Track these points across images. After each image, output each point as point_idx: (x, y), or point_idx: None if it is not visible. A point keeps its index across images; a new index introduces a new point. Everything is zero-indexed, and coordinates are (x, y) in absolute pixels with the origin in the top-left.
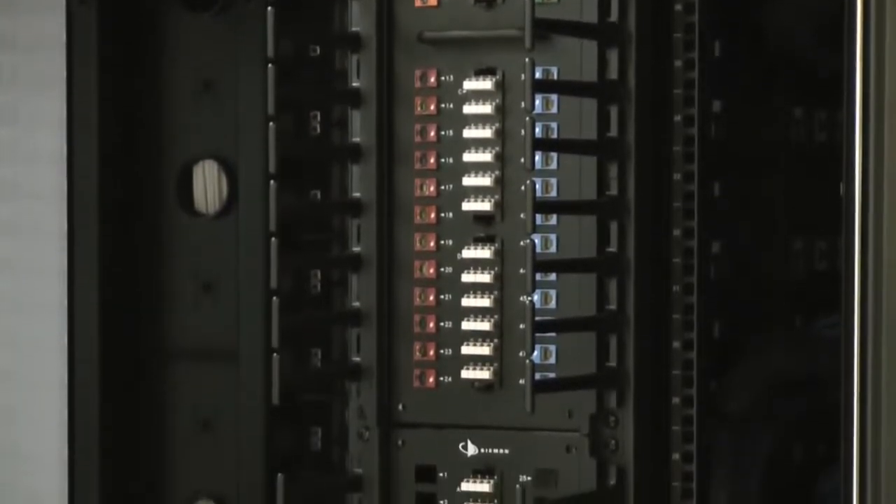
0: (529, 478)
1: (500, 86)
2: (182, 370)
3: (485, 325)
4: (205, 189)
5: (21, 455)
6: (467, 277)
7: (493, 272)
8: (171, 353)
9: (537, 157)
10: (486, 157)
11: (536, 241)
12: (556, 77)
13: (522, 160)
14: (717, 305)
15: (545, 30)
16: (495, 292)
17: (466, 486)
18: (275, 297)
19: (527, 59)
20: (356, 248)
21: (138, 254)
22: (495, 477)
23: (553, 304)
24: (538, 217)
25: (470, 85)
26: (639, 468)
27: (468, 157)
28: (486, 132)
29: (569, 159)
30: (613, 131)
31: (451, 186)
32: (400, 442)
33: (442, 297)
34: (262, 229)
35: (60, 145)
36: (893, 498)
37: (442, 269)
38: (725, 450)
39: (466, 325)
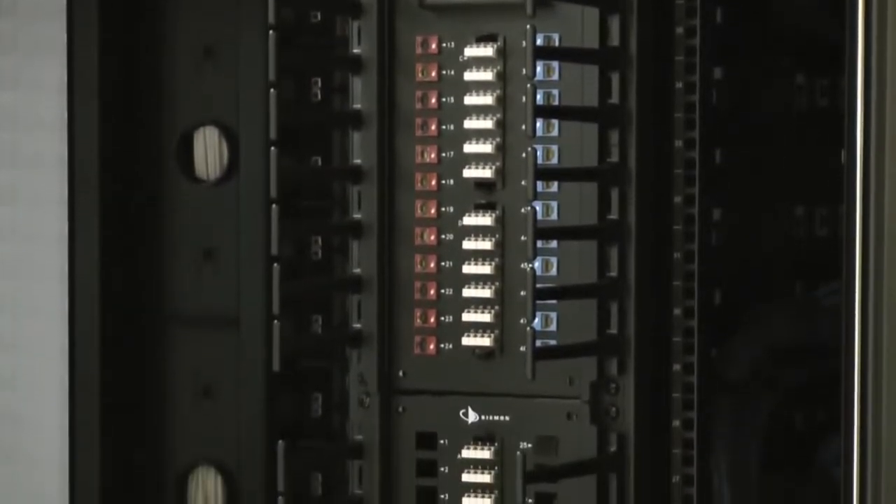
0: (530, 445)
1: (502, 52)
2: (182, 337)
3: (486, 293)
4: (205, 155)
5: (21, 421)
6: (468, 244)
7: (493, 239)
8: (172, 320)
9: (538, 124)
10: (487, 123)
11: (537, 208)
12: (557, 44)
13: (524, 127)
14: (717, 273)
15: None
16: (496, 259)
17: (467, 453)
18: (275, 264)
19: (528, 26)
20: (357, 215)
21: (139, 220)
22: (496, 444)
23: (554, 272)
24: (539, 184)
25: (471, 52)
26: (639, 435)
27: (469, 123)
28: (487, 99)
29: (570, 126)
30: (615, 98)
31: (451, 153)
32: (400, 409)
33: (443, 264)
34: (263, 196)
35: (61, 112)
36: (894, 465)
37: (443, 236)
38: (726, 417)
39: (467, 292)
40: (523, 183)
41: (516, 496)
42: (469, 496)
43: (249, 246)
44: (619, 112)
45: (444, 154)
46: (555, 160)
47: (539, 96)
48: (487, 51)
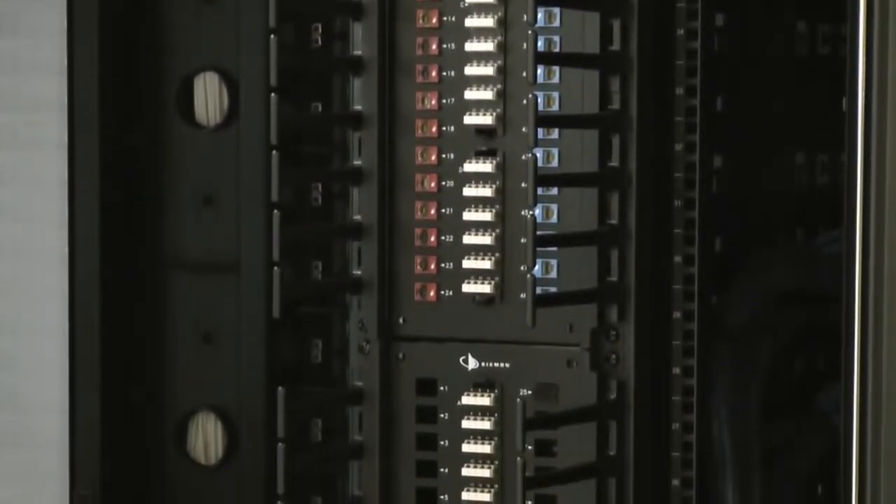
0: (530, 391)
1: None
2: (183, 283)
3: (486, 240)
4: (206, 101)
5: (21, 366)
6: (468, 191)
7: (494, 186)
8: (172, 266)
9: (539, 71)
10: (488, 70)
11: (538, 155)
12: None
13: (524, 74)
14: (718, 220)
15: None
16: (496, 206)
17: (467, 400)
18: (276, 210)
19: None
20: (357, 162)
21: (139, 166)
22: (496, 390)
23: (554, 219)
24: (540, 131)
25: None
26: (639, 382)
27: (470, 70)
28: (488, 45)
29: (571, 73)
30: (616, 45)
31: (452, 100)
32: (400, 355)
33: (443, 210)
34: (263, 142)
35: (61, 56)
36: (894, 412)
37: (443, 183)
38: (726, 364)
39: (468, 238)
40: (524, 130)
41: (516, 443)
42: (469, 443)
43: (249, 192)
44: (621, 58)
45: (444, 101)
46: (556, 107)
47: (540, 43)
48: None
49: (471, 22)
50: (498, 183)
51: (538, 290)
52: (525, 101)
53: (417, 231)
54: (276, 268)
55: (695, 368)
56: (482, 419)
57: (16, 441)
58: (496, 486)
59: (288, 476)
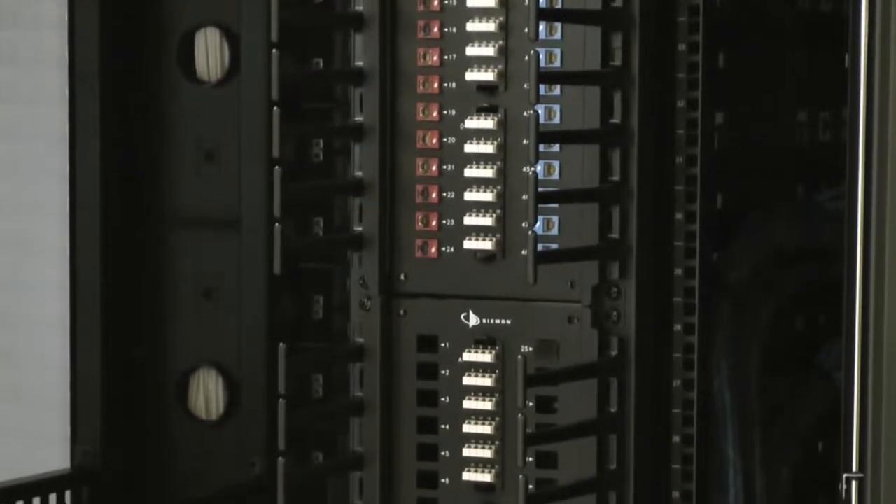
0: (531, 348)
1: None
2: (184, 239)
3: (487, 196)
4: (207, 57)
5: (21, 321)
6: (470, 147)
7: (495, 142)
8: (173, 222)
9: (541, 28)
10: (489, 26)
11: (540, 111)
12: None
13: (526, 30)
14: (719, 177)
15: None
16: (498, 163)
17: (468, 357)
18: (277, 166)
19: None
20: (358, 118)
21: (140, 122)
22: (497, 347)
23: (556, 175)
24: (542, 87)
25: None
26: (640, 339)
27: (471, 26)
28: (490, 1)
29: (573, 30)
30: (618, 2)
31: (454, 56)
32: (402, 311)
33: (444, 167)
34: (264, 98)
35: (62, 11)
36: (894, 369)
37: (445, 140)
38: (727, 321)
39: (469, 195)
40: (525, 86)
41: (517, 399)
42: (469, 399)
43: (250, 148)
44: (622, 15)
45: (446, 57)
46: (557, 63)
47: None
48: None
49: None
50: (499, 139)
51: (539, 247)
52: (527, 58)
53: (419, 187)
54: (277, 224)
55: (696, 325)
56: (483, 376)
57: (17, 398)
58: (497, 442)
59: (288, 432)
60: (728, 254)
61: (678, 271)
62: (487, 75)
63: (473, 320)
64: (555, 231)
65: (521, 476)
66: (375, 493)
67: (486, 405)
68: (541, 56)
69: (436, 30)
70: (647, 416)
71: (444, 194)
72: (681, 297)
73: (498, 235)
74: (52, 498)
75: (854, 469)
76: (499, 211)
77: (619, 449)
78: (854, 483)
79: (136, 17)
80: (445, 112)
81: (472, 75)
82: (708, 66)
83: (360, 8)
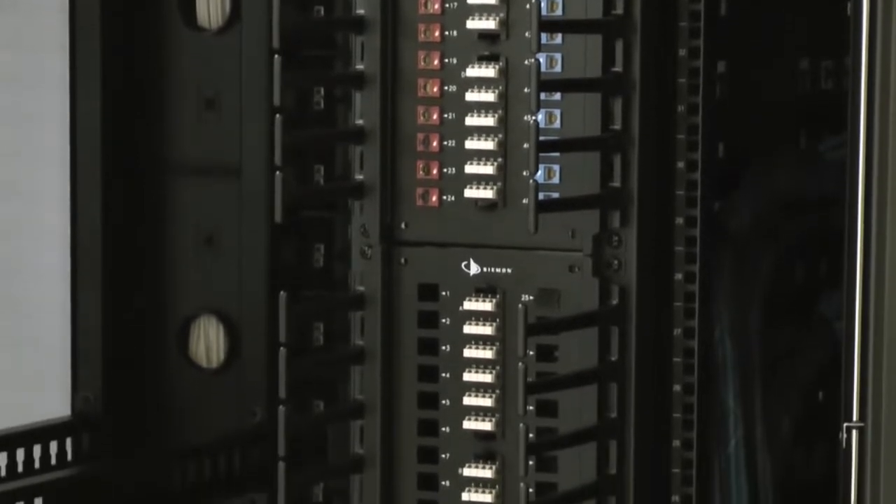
0: (532, 297)
1: None
2: (185, 186)
3: (489, 145)
4: (207, 4)
5: (23, 269)
6: (471, 96)
7: (497, 91)
8: (174, 170)
9: None
10: None
11: (541, 60)
12: None
13: None
14: (721, 126)
15: None
16: (499, 111)
17: (469, 305)
18: (277, 114)
19: None
20: (359, 66)
21: (141, 69)
22: (497, 296)
23: (557, 124)
24: (543, 36)
25: None
26: (641, 288)
27: None
28: None
29: None
30: None
31: (455, 4)
32: (402, 260)
33: (445, 115)
34: (265, 45)
35: None
36: (894, 315)
37: (446, 88)
38: (728, 270)
39: (470, 144)
40: (527, 35)
41: (517, 348)
42: (470, 348)
43: (251, 96)
44: None
45: (447, 5)
46: (559, 11)
47: None
48: None
49: None
50: (501, 88)
51: (540, 196)
52: (528, 6)
53: (420, 136)
54: (278, 172)
55: (697, 274)
56: (484, 324)
57: (18, 345)
58: (497, 391)
59: (289, 380)
60: (729, 202)
61: (679, 220)
62: (489, 23)
63: (474, 269)
64: (556, 180)
65: (521, 424)
66: (376, 441)
67: (487, 354)
68: (542, 4)
69: None
70: (648, 365)
71: (445, 143)
72: (682, 245)
73: (499, 184)
74: (53, 445)
75: (855, 419)
76: (500, 159)
77: (619, 397)
78: (854, 433)
79: None
80: (447, 60)
81: (473, 23)
82: (710, 13)
83: None
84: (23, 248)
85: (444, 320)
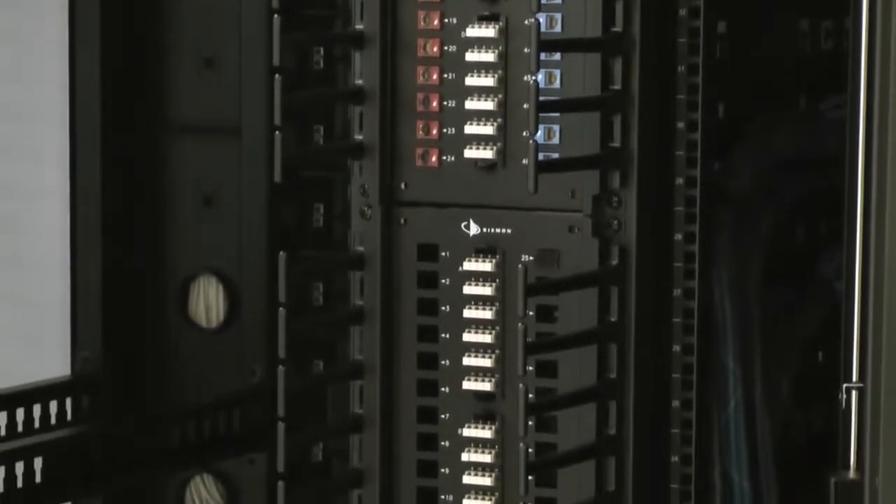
0: (531, 257)
1: None
2: (184, 146)
3: (488, 104)
4: None
5: (22, 229)
6: (471, 56)
7: (497, 51)
8: (174, 129)
9: None
10: None
11: (541, 20)
12: None
13: None
14: (721, 86)
15: None
16: (499, 72)
17: (468, 265)
18: (277, 74)
19: None
20: (359, 25)
21: (140, 28)
22: (497, 256)
23: (557, 84)
24: None
25: None
26: (641, 248)
27: None
28: None
29: None
30: None
31: None
32: (402, 220)
33: (445, 75)
34: (265, 4)
35: None
36: (894, 275)
37: (446, 48)
38: (728, 230)
39: (470, 104)
40: None
41: (517, 308)
42: (470, 308)
43: (251, 56)
44: None
45: None
46: None
47: None
48: None
49: None
50: (501, 48)
51: (540, 156)
52: None
53: (419, 96)
54: (277, 132)
55: (696, 235)
56: (483, 285)
57: (18, 303)
58: (497, 351)
59: (288, 340)
60: (729, 163)
61: (679, 180)
62: None
63: (474, 229)
64: (556, 140)
65: (521, 385)
66: (376, 401)
67: (487, 314)
68: None
69: None
70: (648, 325)
71: (445, 103)
72: (682, 206)
73: (499, 144)
74: (53, 405)
75: (854, 379)
76: (500, 120)
77: (619, 358)
78: (854, 393)
79: None
80: (446, 20)
81: None
82: None
83: None
84: (22, 208)
85: (443, 281)
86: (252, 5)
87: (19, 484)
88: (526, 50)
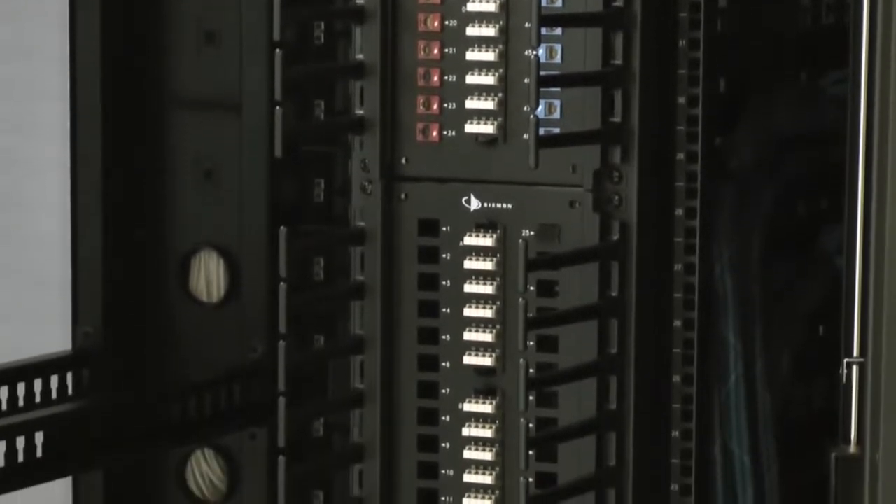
0: (532, 232)
1: None
2: (185, 120)
3: (489, 79)
4: None
5: (22, 203)
6: (472, 31)
7: (497, 26)
8: (174, 103)
9: None
10: None
11: None
12: None
13: None
14: (722, 60)
15: None
16: (500, 46)
17: (469, 241)
18: (278, 49)
19: None
20: (360, 0)
21: (141, 4)
22: (498, 231)
23: (558, 59)
24: None
25: None
26: (642, 224)
27: None
28: None
29: None
30: None
31: None
32: (403, 195)
33: (446, 50)
34: None
35: None
36: (895, 250)
37: (446, 22)
38: (729, 205)
39: (470, 79)
40: None
41: (518, 283)
42: (470, 283)
43: (251, 31)
44: None
45: None
46: None
47: None
48: None
49: None
50: (501, 22)
51: (541, 131)
52: None
53: (420, 70)
54: (277, 107)
55: (697, 210)
56: (484, 260)
57: (18, 278)
58: (497, 326)
59: (289, 315)
60: (731, 138)
61: (680, 155)
62: None
63: (475, 204)
64: (556, 115)
65: (521, 360)
66: (376, 376)
67: (487, 289)
68: None
69: None
70: (649, 300)
71: (446, 77)
72: (682, 181)
73: (499, 119)
74: (54, 379)
75: (855, 354)
76: (500, 94)
77: (620, 333)
78: (855, 368)
79: None
80: None
81: None
82: None
83: None
84: (23, 182)
85: (444, 255)
86: None
87: (20, 458)
88: (527, 24)
